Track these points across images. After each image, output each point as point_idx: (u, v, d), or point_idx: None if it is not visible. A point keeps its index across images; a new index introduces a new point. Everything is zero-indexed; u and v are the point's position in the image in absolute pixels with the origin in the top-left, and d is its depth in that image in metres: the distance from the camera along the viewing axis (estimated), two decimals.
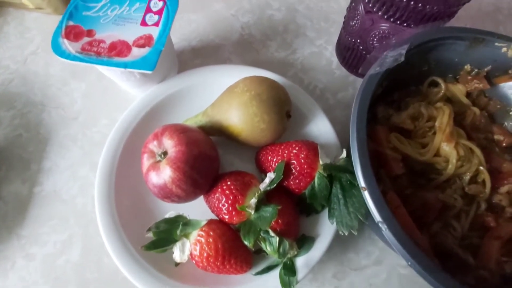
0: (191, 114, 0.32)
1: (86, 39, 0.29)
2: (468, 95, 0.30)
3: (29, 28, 0.41)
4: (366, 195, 0.21)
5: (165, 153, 0.26)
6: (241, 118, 0.27)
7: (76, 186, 0.33)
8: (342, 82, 0.38)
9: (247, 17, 0.42)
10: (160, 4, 0.31)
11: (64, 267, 0.30)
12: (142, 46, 0.29)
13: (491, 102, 0.30)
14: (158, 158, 0.26)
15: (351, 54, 0.36)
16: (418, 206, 0.27)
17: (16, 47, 0.40)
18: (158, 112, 0.33)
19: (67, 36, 0.29)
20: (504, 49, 0.26)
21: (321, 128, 0.31)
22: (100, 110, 0.36)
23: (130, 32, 0.30)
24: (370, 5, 0.28)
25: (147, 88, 0.33)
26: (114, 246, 0.27)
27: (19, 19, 0.41)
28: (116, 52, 0.29)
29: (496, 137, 0.29)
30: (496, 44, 0.26)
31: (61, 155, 0.34)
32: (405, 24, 0.28)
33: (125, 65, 0.28)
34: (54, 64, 0.38)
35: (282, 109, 0.27)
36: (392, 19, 0.28)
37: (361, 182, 0.21)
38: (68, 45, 0.28)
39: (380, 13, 0.28)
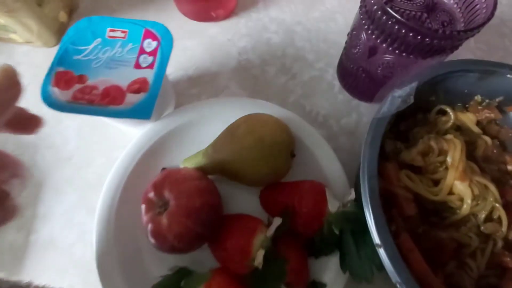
0: (191, 152, 0.31)
1: (77, 86, 0.27)
2: (478, 122, 0.29)
3: (19, 63, 0.39)
4: (382, 253, 0.20)
5: (165, 205, 0.24)
6: (244, 162, 0.26)
7: (73, 233, 0.31)
8: (345, 107, 0.37)
9: (244, 42, 0.40)
10: (154, 44, 0.29)
11: None
12: (137, 91, 0.27)
13: (502, 130, 0.29)
14: (158, 210, 0.24)
15: (354, 79, 0.35)
16: (432, 245, 0.25)
17: None
18: (157, 151, 0.32)
19: (57, 84, 0.27)
20: None
21: (326, 161, 0.30)
22: (94, 149, 0.35)
23: (124, 76, 0.28)
24: (373, 36, 0.27)
25: (144, 127, 0.32)
26: None
27: (8, 53, 0.40)
28: (109, 99, 0.27)
29: (510, 167, 0.28)
30: (508, 76, 0.24)
31: (56, 200, 0.33)
32: (411, 56, 0.26)
33: (119, 114, 0.26)
34: None
35: (286, 151, 0.26)
36: (397, 51, 0.27)
37: (376, 239, 0.20)
38: (59, 94, 0.27)
39: (384, 45, 0.27)
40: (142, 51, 0.29)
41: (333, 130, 0.36)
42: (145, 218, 0.25)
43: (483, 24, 0.23)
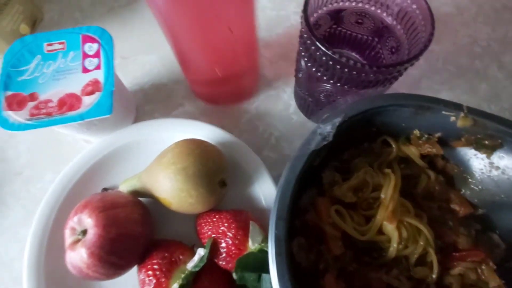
0: (133, 172, 0.31)
1: (31, 104, 0.28)
2: (425, 156, 0.27)
3: None
4: None
5: (84, 232, 0.24)
6: (168, 192, 0.25)
7: (16, 248, 0.32)
8: (299, 129, 0.36)
9: None
10: (95, 46, 0.29)
11: None
12: (92, 92, 0.28)
13: (448, 165, 0.27)
14: (78, 237, 0.24)
15: (304, 102, 0.33)
16: (361, 286, 0.24)
17: None
18: (100, 170, 0.32)
19: (10, 107, 0.27)
20: (452, 118, 0.23)
21: (264, 190, 0.29)
22: (45, 164, 0.35)
23: (74, 83, 0.29)
24: (309, 64, 0.26)
25: (110, 132, 0.32)
26: None
27: None
28: (67, 107, 0.28)
29: (452, 206, 0.26)
30: (443, 112, 0.23)
31: (2, 214, 0.33)
32: (346, 87, 0.25)
33: (81, 117, 0.27)
34: None
35: (213, 181, 0.25)
36: (332, 81, 0.25)
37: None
38: (15, 116, 0.27)
39: (319, 74, 0.26)
40: (85, 56, 0.29)
41: (283, 153, 0.35)
42: (66, 244, 0.25)
43: (414, 57, 0.22)
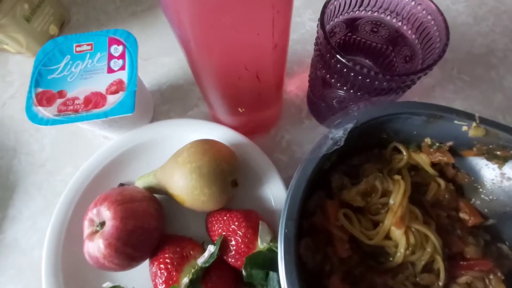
0: (149, 169, 0.32)
1: (59, 101, 0.30)
2: (435, 164, 0.28)
3: (10, 72, 0.42)
4: None
5: (102, 224, 0.25)
6: (182, 189, 0.26)
7: (35, 237, 0.34)
8: (310, 133, 0.36)
9: None
10: (120, 48, 0.31)
11: None
12: (116, 92, 0.30)
13: (458, 174, 0.27)
14: (96, 228, 0.26)
15: (316, 107, 0.34)
16: None
17: None
18: (117, 166, 0.33)
19: (40, 103, 0.29)
20: (464, 128, 0.23)
21: (274, 192, 0.30)
22: (66, 158, 0.37)
23: (100, 82, 0.30)
24: (323, 70, 0.27)
25: (129, 129, 0.33)
26: None
27: (2, 62, 0.43)
28: (92, 104, 0.29)
29: (461, 215, 0.26)
30: (455, 122, 0.23)
31: (25, 204, 0.35)
32: (359, 94, 0.26)
33: (105, 115, 0.29)
34: None
35: (225, 180, 0.26)
36: (345, 88, 0.26)
37: (283, 284, 0.20)
38: (44, 111, 0.29)
39: (333, 81, 0.26)
40: (111, 57, 0.31)
41: (294, 156, 0.35)
42: (85, 234, 0.26)
43: (427, 67, 0.22)
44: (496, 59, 0.39)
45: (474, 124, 0.23)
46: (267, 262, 0.23)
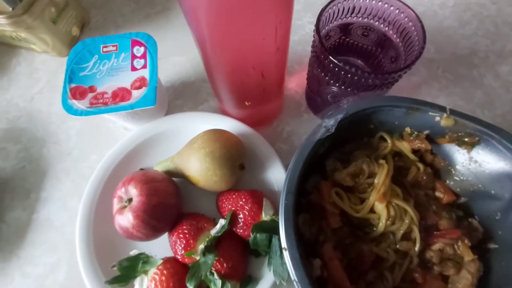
0: (165, 156, 0.36)
1: (90, 95, 0.34)
2: (417, 151, 0.32)
3: (37, 69, 0.47)
4: (286, 254, 0.24)
5: (130, 200, 0.30)
6: (197, 171, 0.31)
7: (65, 216, 0.38)
8: (309, 125, 0.41)
9: None
10: (142, 49, 0.36)
11: (52, 287, 0.35)
12: (139, 87, 0.34)
13: (435, 159, 0.31)
14: (124, 204, 0.30)
15: (313, 102, 0.38)
16: (355, 256, 0.29)
17: (25, 87, 0.46)
18: (138, 153, 0.37)
19: (74, 97, 0.33)
20: (437, 118, 0.28)
21: (276, 175, 0.34)
22: (91, 147, 0.41)
23: (125, 79, 0.35)
24: (319, 69, 0.31)
25: (147, 121, 0.38)
26: (88, 274, 0.32)
27: (29, 61, 0.47)
28: (119, 98, 0.34)
29: (437, 193, 0.31)
30: (430, 113, 0.27)
31: (55, 187, 0.39)
32: (349, 90, 0.30)
33: (131, 107, 0.33)
34: (56, 103, 0.44)
35: (234, 164, 0.31)
36: (337, 84, 0.30)
37: (283, 243, 0.24)
38: (78, 104, 0.33)
39: (327, 78, 0.30)
40: (134, 57, 0.35)
41: (294, 145, 0.40)
42: (114, 209, 0.31)
43: (405, 67, 0.27)
44: (478, 60, 0.43)
45: (445, 115, 0.27)
46: (270, 228, 0.28)
